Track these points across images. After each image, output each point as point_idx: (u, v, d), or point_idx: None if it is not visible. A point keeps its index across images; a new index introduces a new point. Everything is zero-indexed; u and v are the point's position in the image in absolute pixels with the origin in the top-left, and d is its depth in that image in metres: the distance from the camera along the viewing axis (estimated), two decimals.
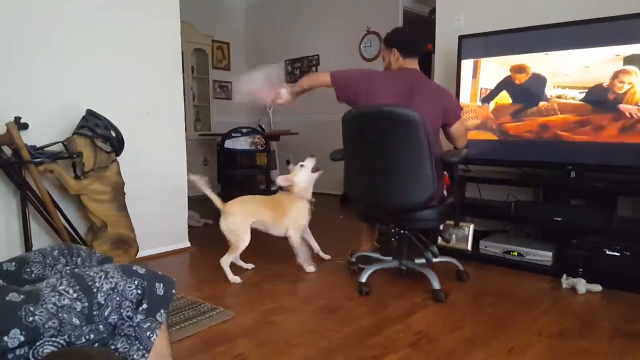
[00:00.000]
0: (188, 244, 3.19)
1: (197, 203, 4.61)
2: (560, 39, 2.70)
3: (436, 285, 2.21)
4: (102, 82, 2.69)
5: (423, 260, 2.40)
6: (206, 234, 3.62)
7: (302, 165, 2.64)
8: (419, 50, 2.53)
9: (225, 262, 2.50)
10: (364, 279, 2.31)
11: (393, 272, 2.58)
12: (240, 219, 2.52)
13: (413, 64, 2.51)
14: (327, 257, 2.85)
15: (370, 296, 2.26)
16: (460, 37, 3.10)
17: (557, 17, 2.76)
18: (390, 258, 2.48)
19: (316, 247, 2.86)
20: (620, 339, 1.83)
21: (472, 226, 2.96)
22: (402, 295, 2.27)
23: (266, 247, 3.19)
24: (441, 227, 2.67)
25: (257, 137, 4.83)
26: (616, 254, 2.39)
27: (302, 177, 2.64)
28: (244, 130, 4.82)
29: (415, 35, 2.55)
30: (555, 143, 2.74)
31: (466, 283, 2.46)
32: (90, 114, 2.42)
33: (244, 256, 2.69)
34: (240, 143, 4.76)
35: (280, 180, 2.62)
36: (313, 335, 1.85)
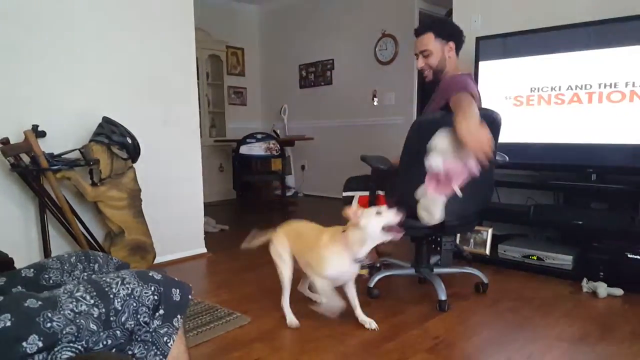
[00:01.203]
0: (204, 250, 3.21)
1: (213, 209, 4.67)
2: (580, 40, 2.65)
3: (442, 295, 2.12)
4: (118, 89, 2.73)
5: (443, 270, 2.39)
6: (222, 239, 3.64)
7: (379, 213, 1.82)
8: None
9: (282, 302, 2.04)
10: (372, 283, 2.29)
11: (409, 279, 2.56)
12: (280, 250, 2.03)
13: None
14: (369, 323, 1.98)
15: (386, 302, 2.25)
16: (478, 39, 3.07)
17: (577, 17, 2.72)
18: (408, 265, 2.42)
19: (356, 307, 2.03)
20: None
21: (490, 230, 2.92)
22: (419, 302, 2.25)
23: None
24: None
25: (271, 142, 4.86)
26: (638, 257, 2.33)
27: (369, 224, 1.81)
28: (259, 136, 4.85)
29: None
30: (575, 145, 2.69)
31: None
32: (107, 121, 2.46)
33: None
34: (255, 149, 4.78)
35: (348, 210, 1.85)
36: (330, 340, 1.84)
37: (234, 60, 6.18)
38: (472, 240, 2.96)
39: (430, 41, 2.16)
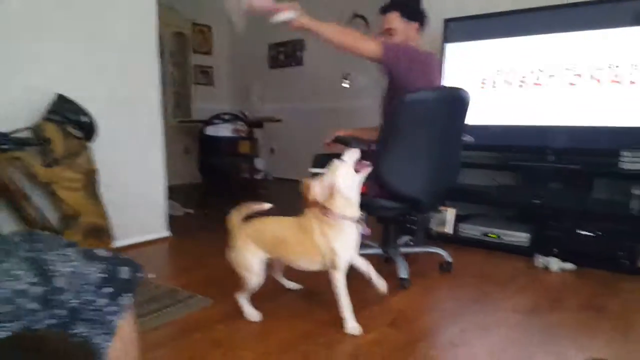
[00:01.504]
0: (168, 234, 3.15)
1: (179, 192, 4.59)
2: (543, 23, 2.69)
3: (403, 273, 2.16)
4: (74, 65, 2.61)
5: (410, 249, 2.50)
6: (187, 222, 3.59)
7: (342, 160, 1.73)
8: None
9: (239, 298, 1.90)
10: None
11: (378, 259, 2.56)
12: (245, 256, 1.82)
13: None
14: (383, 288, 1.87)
15: (351, 281, 2.25)
16: (446, 21, 3.08)
17: (542, 1, 2.75)
18: (376, 245, 2.42)
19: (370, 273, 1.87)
20: (589, 312, 1.88)
21: (453, 210, 2.98)
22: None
23: None
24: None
25: (239, 124, 4.78)
26: (589, 233, 2.43)
27: (345, 179, 1.70)
28: (226, 117, 4.76)
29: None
30: (535, 127, 2.76)
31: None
32: (61, 98, 2.36)
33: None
34: (222, 130, 4.70)
35: (316, 191, 1.70)
36: (292, 319, 1.85)
37: (200, 39, 6.02)
38: (435, 220, 3.01)
39: (395, 20, 2.15)
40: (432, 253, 2.47)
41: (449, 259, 2.40)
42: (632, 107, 2.43)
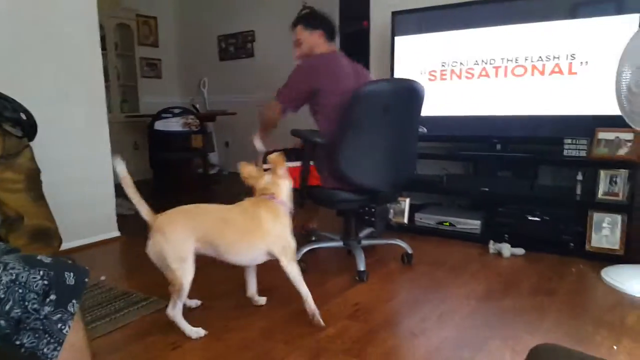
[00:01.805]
0: (117, 233, 3.03)
1: None
2: (488, 16, 2.77)
3: (361, 266, 2.17)
4: (11, 61, 2.45)
5: (371, 241, 2.53)
6: (137, 221, 3.42)
7: (267, 169, 1.84)
8: (336, 32, 2.43)
9: (172, 312, 1.65)
10: (299, 256, 2.24)
11: (339, 252, 2.60)
12: (178, 242, 1.66)
13: (334, 46, 2.40)
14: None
15: (309, 274, 2.25)
16: (394, 13, 3.11)
17: None
18: (338, 237, 2.44)
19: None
20: (539, 296, 1.97)
21: (408, 200, 3.03)
22: (343, 272, 2.29)
23: None
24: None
25: (190, 117, 4.66)
26: (537, 219, 2.54)
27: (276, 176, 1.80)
28: (176, 111, 4.63)
29: (332, 20, 2.45)
30: (482, 117, 2.84)
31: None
32: None
33: None
34: (172, 124, 4.56)
35: (249, 170, 1.84)
36: (251, 317, 1.82)
37: (146, 30, 5.79)
38: (392, 210, 3.05)
39: (300, 32, 2.37)
40: (392, 245, 2.50)
41: (410, 251, 2.41)
42: (573, 97, 2.55)
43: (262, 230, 1.70)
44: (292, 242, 1.73)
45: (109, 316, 1.83)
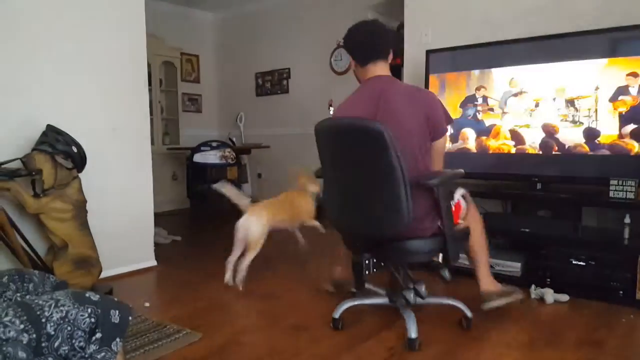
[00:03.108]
0: (154, 263, 3.09)
1: (166, 219, 4.52)
2: (526, 54, 2.76)
3: (412, 333, 1.83)
4: (65, 96, 2.60)
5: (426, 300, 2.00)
6: (174, 251, 3.52)
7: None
8: (379, 52, 1.98)
9: (244, 265, 2.55)
10: (337, 314, 2.04)
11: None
12: (262, 225, 2.58)
13: (381, 69, 1.99)
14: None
15: (344, 334, 2.03)
16: (428, 52, 3.14)
17: (523, 32, 2.83)
18: (383, 292, 2.15)
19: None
20: (585, 347, 1.86)
21: None
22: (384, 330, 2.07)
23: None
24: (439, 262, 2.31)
25: (227, 150, 4.78)
26: (582, 263, 2.43)
27: None
28: (214, 144, 4.76)
29: (368, 35, 2.00)
30: (522, 155, 2.79)
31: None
32: (51, 129, 2.33)
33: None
34: (210, 157, 4.69)
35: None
36: (284, 355, 1.80)
37: (188, 67, 6.06)
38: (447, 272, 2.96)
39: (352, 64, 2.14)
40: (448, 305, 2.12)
41: (469, 314, 2.03)
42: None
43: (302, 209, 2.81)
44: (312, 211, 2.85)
45: (142, 348, 1.84)
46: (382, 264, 2.26)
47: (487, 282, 2.16)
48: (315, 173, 2.44)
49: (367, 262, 2.67)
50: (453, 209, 1.95)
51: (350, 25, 2.05)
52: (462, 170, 1.94)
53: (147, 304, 2.35)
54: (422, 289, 1.94)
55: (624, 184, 2.39)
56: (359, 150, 1.80)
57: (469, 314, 2.03)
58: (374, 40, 1.99)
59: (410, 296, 1.93)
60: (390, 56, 2.04)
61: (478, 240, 2.13)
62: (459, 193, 2.02)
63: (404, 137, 1.78)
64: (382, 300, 2.10)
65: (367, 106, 1.90)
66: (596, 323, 2.11)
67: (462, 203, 2.03)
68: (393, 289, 2.11)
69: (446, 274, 2.10)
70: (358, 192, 1.89)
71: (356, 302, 2.10)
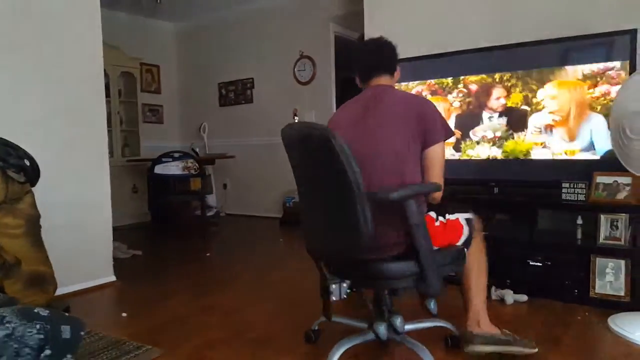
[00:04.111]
0: (113, 278, 2.98)
1: (126, 233, 4.39)
2: (478, 63, 2.86)
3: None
4: (17, 108, 2.51)
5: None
6: (134, 266, 3.42)
7: None
8: (373, 67, 1.89)
9: None
10: (315, 326, 1.97)
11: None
12: None
13: (385, 80, 1.89)
14: None
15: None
16: None
17: (481, 42, 2.92)
18: (365, 325, 1.84)
19: None
20: (545, 344, 1.91)
21: None
22: None
23: (198, 277, 3.07)
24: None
25: (189, 161, 4.70)
26: (538, 264, 2.52)
27: None
28: (176, 155, 4.68)
29: (360, 51, 1.98)
30: (479, 161, 2.88)
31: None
32: (2, 142, 2.22)
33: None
34: (172, 168, 4.59)
35: None
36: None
37: (149, 78, 5.95)
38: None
39: None
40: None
41: (456, 332, 1.94)
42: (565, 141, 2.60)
43: None
44: None
45: None
46: (353, 290, 1.76)
47: (475, 321, 1.87)
48: None
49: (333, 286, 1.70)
50: (438, 224, 1.72)
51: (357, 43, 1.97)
52: (436, 183, 1.70)
53: (124, 314, 2.35)
54: (398, 322, 1.68)
55: (575, 186, 2.50)
56: (312, 155, 1.63)
57: (455, 332, 1.93)
58: (369, 55, 1.93)
59: (380, 330, 1.68)
60: (397, 73, 1.94)
61: (475, 266, 1.88)
62: (463, 215, 1.79)
63: (387, 138, 1.68)
64: (368, 336, 1.78)
65: (355, 108, 1.83)
66: (554, 321, 2.19)
67: (463, 223, 1.77)
68: (369, 317, 1.85)
69: (431, 305, 1.68)
70: (318, 205, 1.71)
71: (349, 344, 1.76)
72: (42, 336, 0.85)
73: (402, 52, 3.23)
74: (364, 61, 1.93)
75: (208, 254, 3.74)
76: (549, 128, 2.66)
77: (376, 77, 1.88)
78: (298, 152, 1.69)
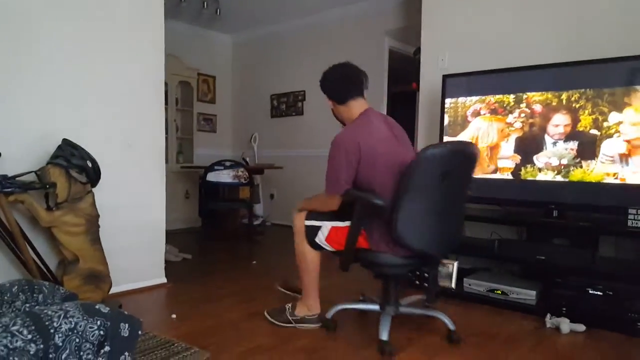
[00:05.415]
0: (164, 280, 3.07)
1: (177, 237, 4.53)
2: (542, 81, 2.76)
3: (384, 335, 2.00)
4: (82, 112, 2.64)
5: (410, 310, 2.33)
6: (184, 269, 3.51)
7: None
8: (348, 91, 2.26)
9: None
10: (330, 314, 2.27)
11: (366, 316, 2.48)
12: None
13: (360, 105, 2.25)
14: None
15: (335, 339, 2.15)
16: (445, 77, 3.16)
17: (540, 58, 2.84)
18: (377, 306, 2.27)
19: None
20: None
21: (456, 263, 2.91)
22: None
23: (246, 283, 3.10)
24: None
25: (240, 170, 4.80)
26: (599, 293, 2.37)
27: None
28: (227, 164, 4.79)
29: (356, 72, 2.37)
30: (538, 182, 2.76)
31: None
32: (67, 143, 2.36)
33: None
34: (223, 176, 4.71)
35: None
36: None
37: (205, 88, 6.16)
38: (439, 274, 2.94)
39: (329, 103, 2.37)
40: (431, 317, 2.31)
41: (452, 327, 2.15)
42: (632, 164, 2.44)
43: None
44: None
45: None
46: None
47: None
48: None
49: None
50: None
51: (328, 68, 2.44)
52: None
53: (173, 316, 2.41)
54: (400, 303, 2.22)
55: None
56: (464, 171, 2.09)
57: (451, 326, 2.16)
58: (343, 79, 2.33)
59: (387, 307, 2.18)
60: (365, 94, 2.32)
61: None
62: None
63: (410, 151, 2.18)
64: (373, 306, 2.30)
65: (383, 127, 2.17)
66: (614, 355, 2.05)
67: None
68: (386, 299, 2.25)
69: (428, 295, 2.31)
70: (455, 209, 2.16)
71: (346, 306, 2.35)
72: (102, 332, 0.88)
73: (458, 67, 3.22)
74: (359, 83, 2.31)
75: (254, 262, 3.78)
76: (623, 157, 2.50)
77: (362, 97, 2.28)
78: (453, 166, 1.99)
